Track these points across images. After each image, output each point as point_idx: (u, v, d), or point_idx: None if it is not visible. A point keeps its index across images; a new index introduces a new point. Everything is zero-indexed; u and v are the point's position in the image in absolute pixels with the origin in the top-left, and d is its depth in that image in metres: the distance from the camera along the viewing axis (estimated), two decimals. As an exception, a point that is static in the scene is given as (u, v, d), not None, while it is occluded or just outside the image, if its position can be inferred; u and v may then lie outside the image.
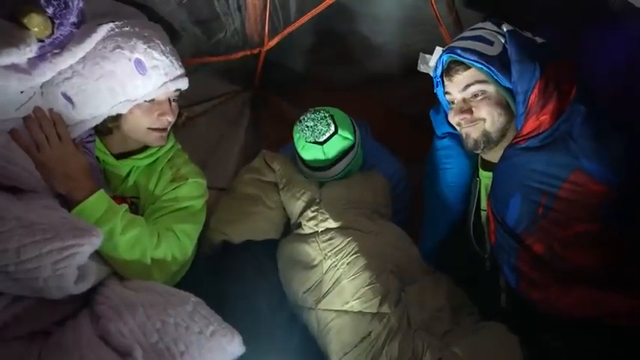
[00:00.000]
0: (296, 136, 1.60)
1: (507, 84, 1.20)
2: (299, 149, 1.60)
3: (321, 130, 1.53)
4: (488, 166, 1.36)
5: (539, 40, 1.23)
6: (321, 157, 1.55)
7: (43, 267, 0.90)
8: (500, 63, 1.19)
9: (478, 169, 1.42)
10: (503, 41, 1.22)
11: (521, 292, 1.22)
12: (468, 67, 1.25)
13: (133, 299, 1.04)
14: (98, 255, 1.15)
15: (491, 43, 1.22)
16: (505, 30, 1.22)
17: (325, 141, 1.53)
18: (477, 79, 1.24)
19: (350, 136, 1.57)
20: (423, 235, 1.57)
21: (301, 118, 1.59)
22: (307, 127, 1.54)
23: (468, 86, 1.25)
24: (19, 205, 1.01)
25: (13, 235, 0.90)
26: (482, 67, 1.21)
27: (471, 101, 1.26)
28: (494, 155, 1.31)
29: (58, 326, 1.02)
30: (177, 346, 0.95)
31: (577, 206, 1.12)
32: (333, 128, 1.54)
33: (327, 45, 1.88)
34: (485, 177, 1.36)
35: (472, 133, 1.28)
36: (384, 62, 1.89)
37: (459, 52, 1.24)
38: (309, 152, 1.57)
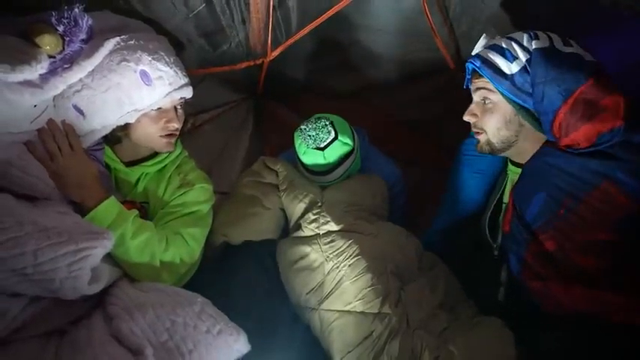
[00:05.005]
0: (297, 141, 1.62)
1: (519, 101, 1.21)
2: (300, 154, 1.62)
3: (322, 136, 1.55)
4: (515, 163, 1.38)
5: (582, 54, 1.17)
6: (322, 161, 1.58)
7: (59, 269, 0.94)
8: (511, 82, 1.20)
9: (507, 164, 1.43)
10: (524, 59, 1.19)
11: (523, 280, 1.25)
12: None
13: (144, 300, 1.07)
14: (110, 258, 1.18)
15: (512, 60, 1.20)
16: (533, 47, 1.18)
17: (326, 146, 1.56)
18: (485, 87, 1.27)
19: (349, 142, 1.59)
20: (437, 216, 1.60)
21: (303, 125, 1.61)
22: (309, 133, 1.57)
23: (477, 89, 1.30)
24: (34, 212, 1.05)
25: (30, 238, 0.93)
26: (493, 83, 1.23)
27: (480, 106, 1.30)
28: (518, 157, 1.33)
29: (73, 326, 1.05)
30: (186, 345, 0.98)
31: (602, 215, 1.12)
32: (333, 134, 1.56)
33: (328, 55, 1.90)
34: (513, 172, 1.38)
35: (479, 139, 1.33)
36: (382, 71, 1.91)
37: (478, 64, 1.26)
38: (311, 157, 1.59)
